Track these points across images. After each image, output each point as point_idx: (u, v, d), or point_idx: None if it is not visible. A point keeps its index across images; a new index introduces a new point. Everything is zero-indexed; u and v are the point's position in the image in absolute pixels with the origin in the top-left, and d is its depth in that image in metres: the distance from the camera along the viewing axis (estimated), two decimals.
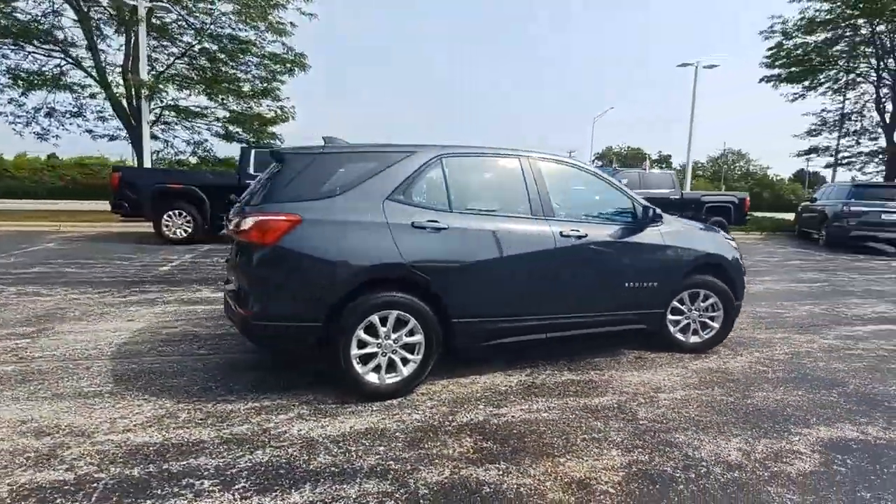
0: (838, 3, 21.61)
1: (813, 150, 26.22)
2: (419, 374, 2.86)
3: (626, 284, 3.41)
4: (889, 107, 22.43)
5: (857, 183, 14.45)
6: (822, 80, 24.37)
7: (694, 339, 3.79)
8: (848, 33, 22.95)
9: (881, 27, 21.32)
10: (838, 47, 23.02)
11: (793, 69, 24.90)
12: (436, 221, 2.85)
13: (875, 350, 4.06)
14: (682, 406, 2.84)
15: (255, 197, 2.91)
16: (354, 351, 2.68)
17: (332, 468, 2.10)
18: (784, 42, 24.51)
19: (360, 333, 2.68)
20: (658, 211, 3.56)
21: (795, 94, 25.55)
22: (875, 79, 22.50)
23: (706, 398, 2.97)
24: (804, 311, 5.39)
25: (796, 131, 28.15)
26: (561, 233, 3.17)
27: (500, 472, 2.11)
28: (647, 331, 3.66)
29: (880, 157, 23.63)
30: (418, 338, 2.82)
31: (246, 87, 15.07)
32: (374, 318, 2.70)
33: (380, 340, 2.74)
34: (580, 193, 3.56)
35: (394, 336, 2.77)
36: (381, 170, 2.86)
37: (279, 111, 15.07)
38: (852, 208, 11.55)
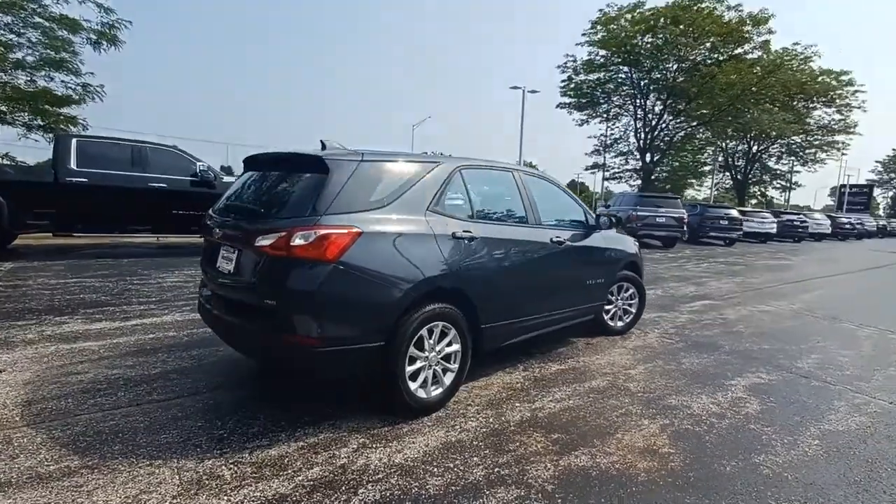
0: (610, 52, 27.47)
1: (595, 165, 33.00)
2: (458, 383, 2.90)
3: (588, 281, 4.01)
4: (641, 135, 29.44)
5: (640, 193, 18.85)
6: (599, 111, 30.66)
7: (619, 323, 4.64)
8: (615, 76, 29.37)
9: (636, 74, 27.85)
10: (609, 85, 29.20)
11: (580, 99, 30.75)
12: (469, 231, 2.93)
13: (715, 319, 5.58)
14: (651, 377, 3.53)
15: (274, 207, 2.62)
16: (407, 367, 2.59)
17: (453, 487, 2.06)
18: (573, 77, 30.09)
19: (412, 348, 2.60)
20: (601, 218, 4.26)
21: (582, 119, 31.65)
22: (633, 112, 29.30)
23: (659, 369, 3.73)
24: (652, 295, 6.95)
25: (586, 149, 34.70)
26: (551, 238, 3.57)
27: (590, 456, 2.37)
28: (594, 320, 4.34)
29: (638, 172, 30.94)
30: (456, 347, 2.86)
31: (22, 56, 11.61)
32: (423, 332, 2.65)
33: (426, 353, 2.70)
34: (551, 203, 4.02)
35: (437, 348, 2.76)
36: (418, 180, 2.80)
37: (80, 89, 12.03)
38: (638, 213, 15.05)
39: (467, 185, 3.12)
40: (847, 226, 29.70)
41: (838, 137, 35.57)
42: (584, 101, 30.39)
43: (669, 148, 29.33)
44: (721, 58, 25.12)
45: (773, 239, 22.25)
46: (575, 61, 28.74)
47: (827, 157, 37.04)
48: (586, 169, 34.69)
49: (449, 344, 2.83)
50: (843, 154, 38.02)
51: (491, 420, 2.72)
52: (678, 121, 28.49)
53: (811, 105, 33.33)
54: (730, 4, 24.39)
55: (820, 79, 31.28)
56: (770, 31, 24.87)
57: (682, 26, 24.87)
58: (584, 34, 27.52)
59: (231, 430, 2.49)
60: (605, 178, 31.41)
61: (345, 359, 2.41)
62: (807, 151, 36.93)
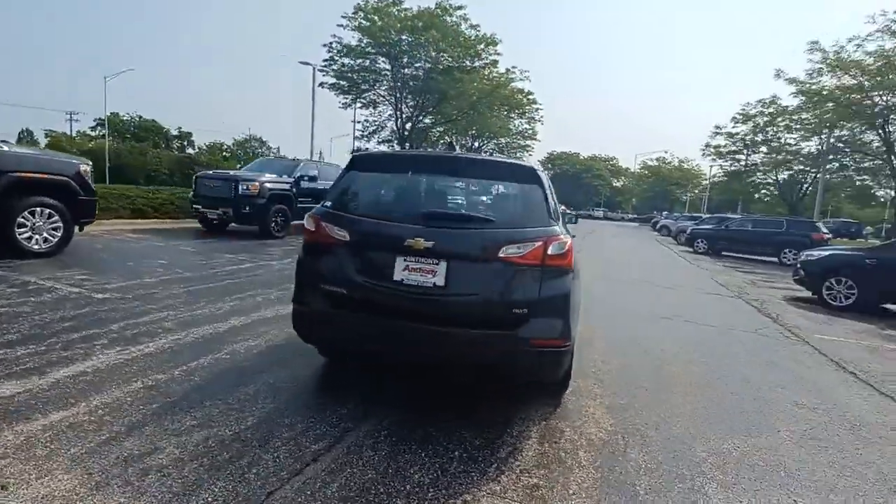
0: (372, 41, 28.84)
1: (358, 150, 34.28)
2: None
3: None
4: (399, 124, 32.18)
5: None
6: (364, 97, 31.84)
7: None
8: (374, 66, 30.94)
9: (394, 67, 30.00)
10: (373, 76, 30.63)
11: (341, 82, 31.19)
12: None
13: None
14: None
15: (507, 217, 2.79)
16: None
17: None
18: (335, 58, 30.25)
19: None
20: None
21: (345, 102, 32.19)
22: (393, 103, 31.62)
23: None
24: None
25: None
26: None
27: None
28: None
29: None
30: None
31: None
32: None
33: None
34: None
35: None
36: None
37: None
38: None
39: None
40: None
41: (529, 142, 47.31)
42: (346, 84, 31.03)
43: (425, 141, 33.17)
44: (466, 67, 29.87)
45: None
46: (340, 42, 28.97)
47: (524, 156, 48.90)
48: (353, 153, 35.62)
49: None
50: (530, 155, 50.94)
51: None
52: (431, 118, 32.48)
53: (512, 115, 43.19)
54: (472, 24, 29.15)
55: (518, 95, 40.82)
56: (498, 53, 31.02)
57: (434, 32, 28.35)
58: (344, 17, 28.02)
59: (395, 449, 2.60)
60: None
61: (571, 356, 2.79)
62: (511, 151, 47.75)
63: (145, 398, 2.80)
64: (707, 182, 52.80)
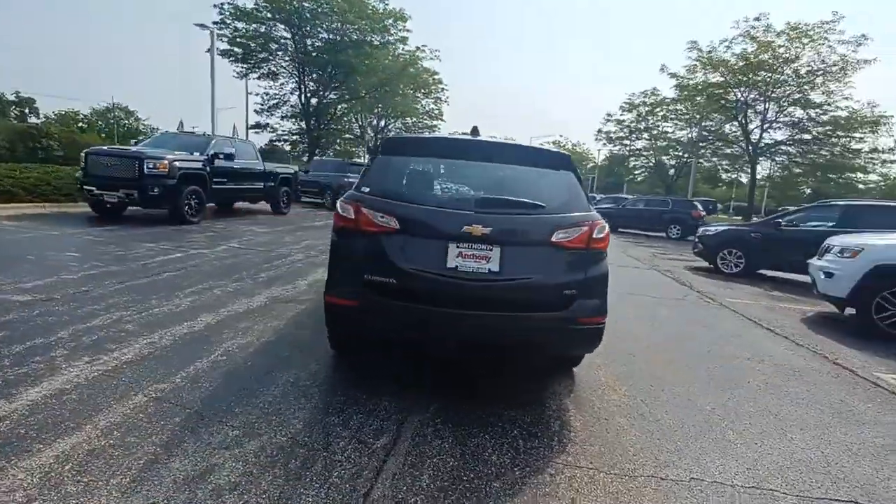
0: (262, 4, 26.61)
1: (258, 125, 31.46)
2: None
3: None
4: (303, 99, 30.26)
5: (346, 161, 20.16)
6: (262, 67, 29.29)
7: None
8: (271, 32, 28.60)
9: (295, 35, 27.94)
10: (272, 44, 28.27)
11: (235, 48, 28.39)
12: None
13: None
14: None
15: (554, 203, 2.83)
16: None
17: None
18: (227, 21, 27.40)
19: None
20: None
21: (240, 72, 29.36)
22: (297, 76, 29.54)
23: None
24: None
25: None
26: None
27: None
28: None
29: (304, 138, 31.76)
30: None
31: None
32: None
33: None
34: None
35: None
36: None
37: None
38: (349, 180, 16.53)
39: None
40: None
41: (436, 122, 47.47)
42: (239, 51, 28.28)
43: (333, 118, 31.64)
44: (374, 42, 28.84)
45: None
46: (234, 3, 26.19)
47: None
48: (250, 128, 32.59)
49: None
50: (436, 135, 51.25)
51: None
52: (337, 94, 30.94)
53: (419, 95, 42.90)
54: None
55: (424, 75, 40.60)
56: (407, 30, 30.37)
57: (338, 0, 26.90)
58: None
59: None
60: (271, 141, 30.76)
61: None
62: (419, 131, 47.52)
63: (161, 412, 2.46)
64: (594, 164, 57.86)
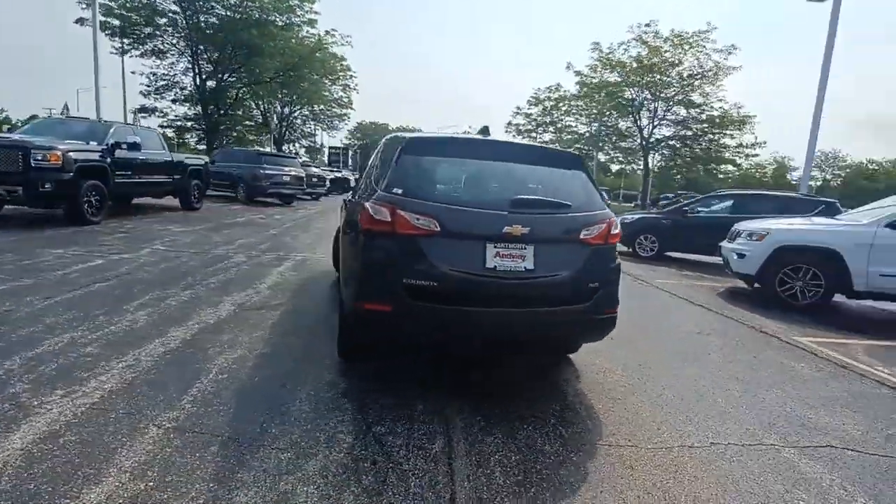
0: None
1: (145, 109, 27.83)
2: None
3: None
4: (198, 81, 27.52)
5: (261, 151, 18.63)
6: (147, 43, 25.99)
7: None
8: (156, 4, 25.54)
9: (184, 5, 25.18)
10: (160, 18, 25.22)
11: (111, 20, 24.91)
12: None
13: None
14: None
15: (575, 202, 2.96)
16: None
17: None
18: None
19: None
20: None
21: (118, 48, 25.80)
22: (190, 55, 26.65)
23: None
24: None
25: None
26: None
27: None
28: None
29: (201, 123, 28.83)
30: None
31: None
32: None
33: None
34: None
35: None
36: None
37: None
38: (266, 171, 15.47)
39: None
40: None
41: (346, 111, 45.84)
42: (118, 23, 24.79)
43: (235, 102, 29.10)
44: (276, 21, 26.93)
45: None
46: None
47: (341, 124, 47.30)
48: (135, 112, 28.65)
49: None
50: (345, 124, 49.56)
51: None
52: (236, 77, 28.49)
53: (326, 80, 41.09)
54: None
55: (331, 61, 38.95)
56: (315, 12, 28.78)
57: None
58: None
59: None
60: (162, 126, 27.30)
61: None
62: (328, 119, 45.57)
63: (190, 443, 2.21)
64: None
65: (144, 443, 2.19)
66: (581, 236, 2.84)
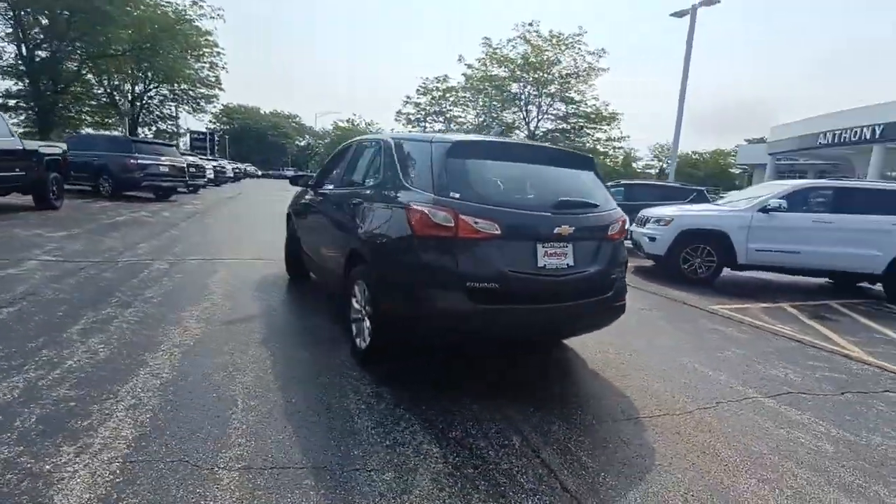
0: None
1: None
2: None
3: None
4: (24, 50, 22.60)
5: (131, 137, 15.72)
6: None
7: None
8: None
9: None
10: None
11: None
12: None
13: None
14: None
15: (598, 201, 3.23)
16: None
17: None
18: None
19: None
20: None
21: None
22: (14, 20, 21.66)
23: None
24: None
25: None
26: None
27: None
28: None
29: (28, 101, 23.60)
30: None
31: None
32: None
33: None
34: None
35: None
36: None
37: None
38: (139, 161, 13.37)
39: None
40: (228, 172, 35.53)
41: (214, 91, 41.12)
42: None
43: (78, 79, 24.29)
44: None
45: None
46: None
47: (208, 106, 42.34)
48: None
49: None
50: (214, 106, 44.55)
51: None
52: (75, 46, 23.82)
53: (189, 57, 36.46)
54: None
55: (195, 35, 34.69)
56: None
57: None
58: None
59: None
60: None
61: None
62: (193, 101, 40.41)
63: (276, 482, 2.00)
64: None
65: (225, 490, 1.93)
66: (609, 232, 3.14)
